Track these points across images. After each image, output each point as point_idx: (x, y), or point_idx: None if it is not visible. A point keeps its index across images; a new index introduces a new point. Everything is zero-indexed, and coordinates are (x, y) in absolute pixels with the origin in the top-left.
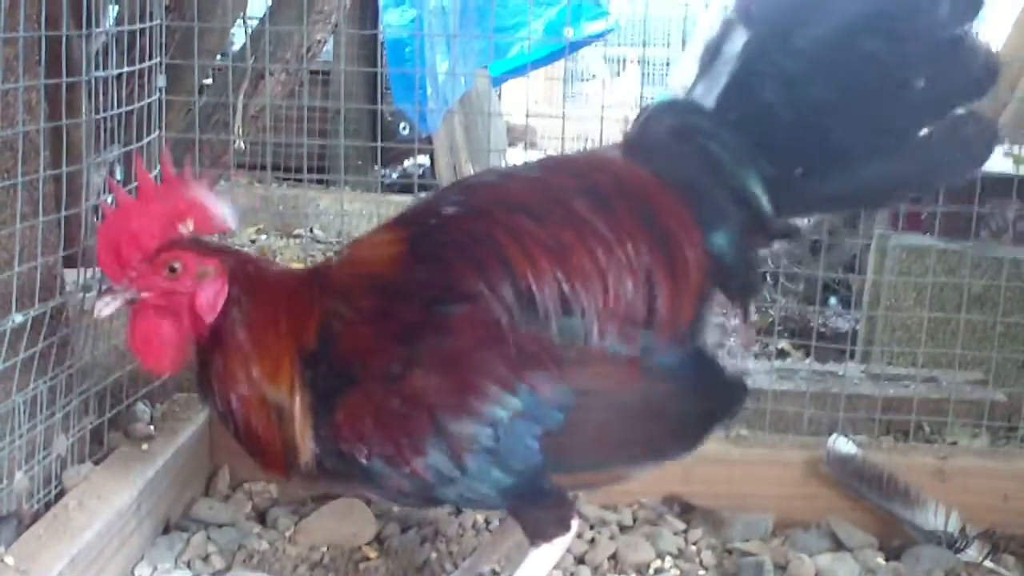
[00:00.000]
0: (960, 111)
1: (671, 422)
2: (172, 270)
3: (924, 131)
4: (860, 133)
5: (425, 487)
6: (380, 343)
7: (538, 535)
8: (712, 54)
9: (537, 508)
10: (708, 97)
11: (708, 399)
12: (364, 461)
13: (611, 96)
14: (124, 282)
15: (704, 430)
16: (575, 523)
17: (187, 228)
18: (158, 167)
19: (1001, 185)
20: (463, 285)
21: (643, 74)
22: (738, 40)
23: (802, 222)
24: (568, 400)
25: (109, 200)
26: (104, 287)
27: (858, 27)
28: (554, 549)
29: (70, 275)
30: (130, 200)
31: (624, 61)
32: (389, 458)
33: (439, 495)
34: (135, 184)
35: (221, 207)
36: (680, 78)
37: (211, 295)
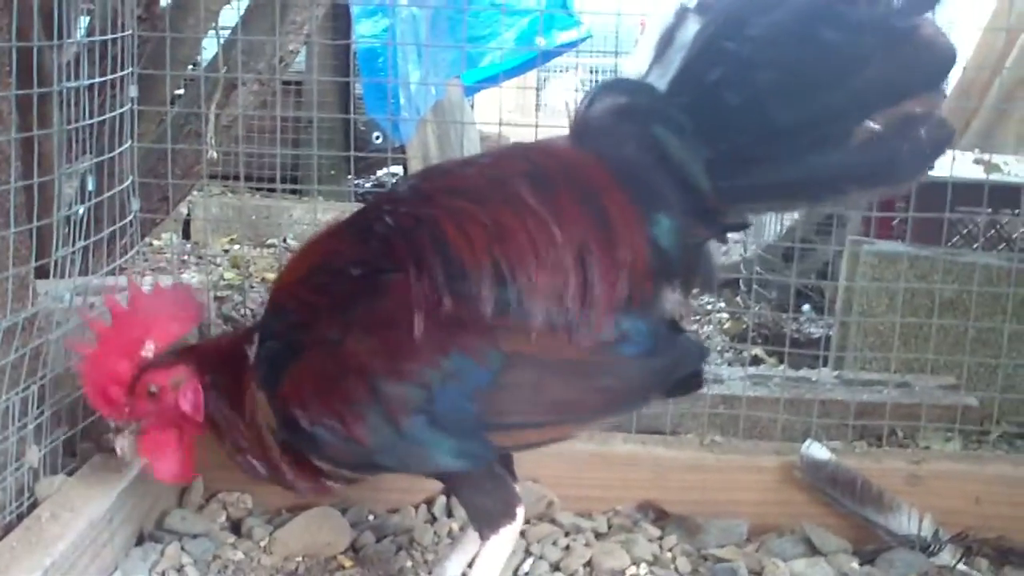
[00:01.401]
0: (914, 108)
1: (608, 387)
2: (152, 394)
3: (872, 123)
4: (808, 120)
5: (366, 453)
6: (319, 312)
7: (485, 524)
8: (666, 42)
9: (477, 493)
10: (660, 83)
11: (647, 369)
12: (307, 428)
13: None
14: (123, 418)
15: (642, 398)
16: (520, 511)
17: (150, 349)
18: (129, 177)
19: (972, 192)
20: (398, 259)
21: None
22: (692, 28)
23: (751, 215)
24: (497, 363)
25: (79, 211)
26: (114, 427)
27: (813, 15)
28: (503, 540)
29: (42, 286)
30: (94, 348)
31: (564, 69)
32: (330, 424)
33: (381, 460)
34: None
35: (175, 317)
36: (634, 66)
37: (190, 397)
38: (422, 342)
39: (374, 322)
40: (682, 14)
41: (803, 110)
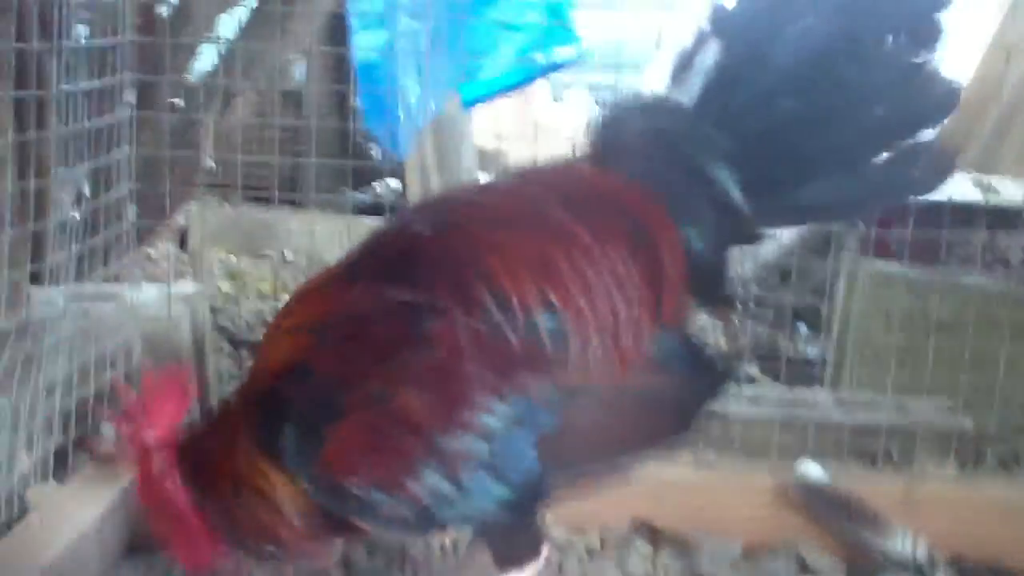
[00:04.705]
0: (921, 137)
1: (664, 410)
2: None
3: (888, 151)
4: (830, 147)
5: (424, 512)
6: (360, 367)
7: (508, 561)
8: (685, 65)
9: (511, 533)
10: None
11: (695, 382)
12: (358, 492)
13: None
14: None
15: (695, 411)
16: (545, 548)
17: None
18: (126, 185)
19: (969, 214)
20: (440, 300)
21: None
22: (711, 52)
23: (774, 229)
24: (558, 402)
25: (74, 217)
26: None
27: (828, 49)
28: (524, 575)
29: (36, 291)
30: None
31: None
32: (384, 485)
33: (440, 518)
34: None
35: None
36: (651, 86)
37: (172, 486)
38: (478, 389)
39: (423, 373)
40: (702, 38)
41: (826, 139)
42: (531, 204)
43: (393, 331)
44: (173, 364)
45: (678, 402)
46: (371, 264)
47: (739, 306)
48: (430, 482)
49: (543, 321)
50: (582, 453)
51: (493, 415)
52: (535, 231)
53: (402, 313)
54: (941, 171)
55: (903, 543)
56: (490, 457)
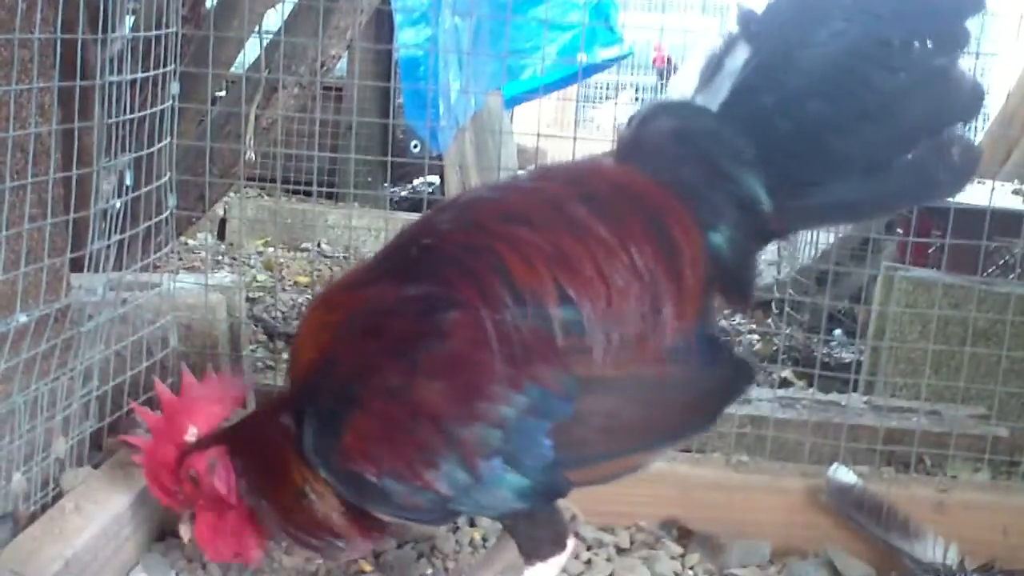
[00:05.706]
0: (948, 134)
1: (683, 404)
2: (192, 478)
3: (915, 149)
4: (856, 148)
5: (441, 500)
6: (377, 359)
7: (533, 554)
8: (714, 67)
9: (533, 526)
10: (710, 107)
11: (718, 378)
12: (375, 480)
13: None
14: (177, 504)
15: (718, 408)
16: (571, 543)
17: (193, 434)
18: (167, 174)
19: (1009, 221)
20: (458, 293)
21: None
22: (740, 55)
23: (801, 230)
24: (574, 390)
25: (115, 205)
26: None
27: (855, 53)
28: (549, 568)
29: (76, 278)
30: (147, 437)
31: (617, 87)
32: (400, 475)
33: (456, 507)
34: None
35: (219, 401)
36: (680, 88)
37: (222, 481)
38: (494, 379)
39: (441, 364)
40: (731, 41)
41: (852, 140)
42: (552, 201)
43: (411, 324)
44: (221, 372)
45: (699, 397)
46: (396, 260)
47: (774, 309)
48: (446, 471)
49: (559, 312)
50: (599, 444)
51: (508, 404)
52: (554, 227)
53: (420, 306)
54: (964, 172)
55: (934, 549)
56: (505, 445)
